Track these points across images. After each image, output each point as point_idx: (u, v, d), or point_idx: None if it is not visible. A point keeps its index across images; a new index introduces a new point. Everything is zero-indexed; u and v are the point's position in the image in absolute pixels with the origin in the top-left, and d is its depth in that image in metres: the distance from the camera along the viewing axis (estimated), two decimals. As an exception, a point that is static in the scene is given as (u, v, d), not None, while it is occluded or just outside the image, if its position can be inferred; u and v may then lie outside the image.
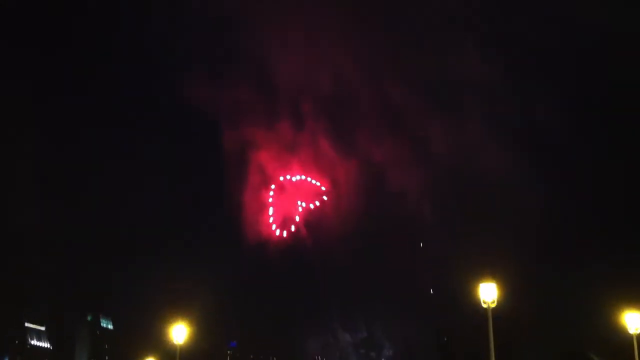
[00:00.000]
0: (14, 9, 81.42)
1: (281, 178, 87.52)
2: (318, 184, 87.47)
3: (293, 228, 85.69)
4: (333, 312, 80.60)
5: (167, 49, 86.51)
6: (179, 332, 46.28)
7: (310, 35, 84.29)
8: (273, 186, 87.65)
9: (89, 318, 77.37)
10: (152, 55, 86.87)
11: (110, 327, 78.72)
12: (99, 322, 77.87)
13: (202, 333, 56.55)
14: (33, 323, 70.40)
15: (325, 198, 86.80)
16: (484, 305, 44.86)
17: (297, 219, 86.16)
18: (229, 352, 79.90)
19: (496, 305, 44.46)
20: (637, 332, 44.99)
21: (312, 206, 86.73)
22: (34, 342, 73.52)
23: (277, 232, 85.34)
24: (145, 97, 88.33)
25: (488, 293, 45.45)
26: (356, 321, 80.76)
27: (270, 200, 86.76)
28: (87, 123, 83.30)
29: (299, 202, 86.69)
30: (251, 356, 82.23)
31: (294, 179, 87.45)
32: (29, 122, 76.18)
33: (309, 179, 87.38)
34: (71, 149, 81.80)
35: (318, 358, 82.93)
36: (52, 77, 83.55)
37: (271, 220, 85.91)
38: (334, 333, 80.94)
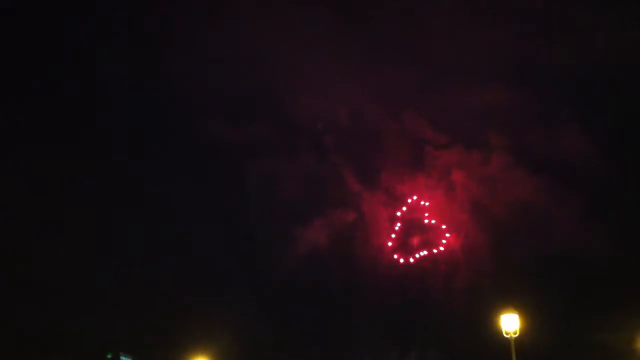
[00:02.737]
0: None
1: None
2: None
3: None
4: (361, 340, 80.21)
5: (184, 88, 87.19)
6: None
7: (327, 71, 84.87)
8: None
9: (109, 356, 77.29)
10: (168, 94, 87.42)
11: (131, 364, 78.77)
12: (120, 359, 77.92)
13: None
14: (53, 363, 70.80)
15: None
16: (506, 336, 44.96)
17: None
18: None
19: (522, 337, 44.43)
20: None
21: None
22: (55, 380, 73.68)
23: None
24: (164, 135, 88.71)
25: (510, 324, 45.49)
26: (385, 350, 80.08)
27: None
28: (102, 155, 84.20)
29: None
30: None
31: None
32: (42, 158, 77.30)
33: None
34: (88, 187, 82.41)
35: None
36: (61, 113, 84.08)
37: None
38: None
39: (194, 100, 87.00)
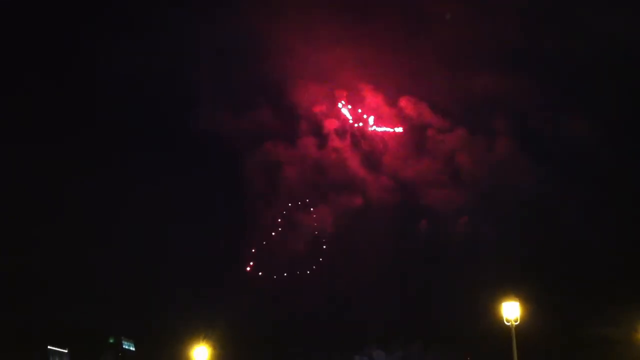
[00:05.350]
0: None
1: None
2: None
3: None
4: (369, 332, 79.95)
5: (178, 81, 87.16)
6: (201, 354, 46.42)
7: (328, 57, 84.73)
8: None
9: (111, 340, 77.83)
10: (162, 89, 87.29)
11: (132, 348, 79.09)
12: (122, 344, 78.21)
13: (226, 356, 56.55)
14: (56, 346, 71.07)
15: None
16: (507, 323, 44.90)
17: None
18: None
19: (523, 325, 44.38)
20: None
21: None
22: (57, 364, 74.12)
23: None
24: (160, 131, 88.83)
25: (511, 311, 45.43)
26: (392, 342, 79.85)
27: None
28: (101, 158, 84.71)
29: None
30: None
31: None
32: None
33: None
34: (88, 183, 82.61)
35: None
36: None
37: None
38: (370, 353, 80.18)
39: (195, 94, 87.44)
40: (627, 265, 70.44)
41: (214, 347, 45.42)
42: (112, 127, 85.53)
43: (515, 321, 44.84)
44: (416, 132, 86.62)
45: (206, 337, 46.44)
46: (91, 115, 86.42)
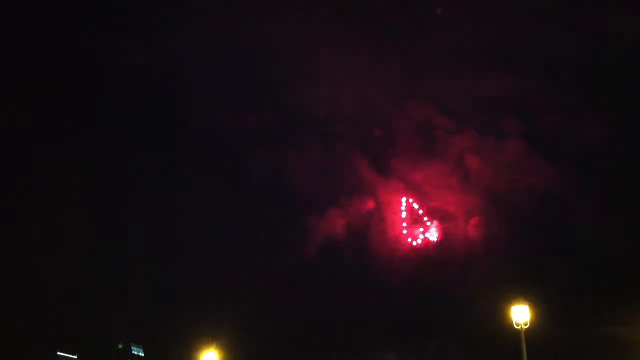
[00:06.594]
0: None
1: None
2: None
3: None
4: (379, 338, 79.77)
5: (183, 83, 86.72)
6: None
7: (334, 60, 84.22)
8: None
9: (120, 346, 77.80)
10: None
11: (141, 354, 79.05)
12: (131, 350, 78.18)
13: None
14: (65, 352, 71.11)
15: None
16: (517, 327, 45.06)
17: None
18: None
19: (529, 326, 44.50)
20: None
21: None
22: (66, 370, 74.05)
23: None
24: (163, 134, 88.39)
25: (521, 315, 45.58)
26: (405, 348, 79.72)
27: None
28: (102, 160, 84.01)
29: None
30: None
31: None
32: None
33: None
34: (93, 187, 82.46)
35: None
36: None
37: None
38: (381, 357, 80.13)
39: (199, 96, 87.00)
40: (636, 265, 70.40)
41: (224, 353, 45.40)
42: (112, 127, 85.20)
43: (525, 325, 45.03)
44: (424, 134, 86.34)
45: (215, 342, 46.41)
46: (91, 115, 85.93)
